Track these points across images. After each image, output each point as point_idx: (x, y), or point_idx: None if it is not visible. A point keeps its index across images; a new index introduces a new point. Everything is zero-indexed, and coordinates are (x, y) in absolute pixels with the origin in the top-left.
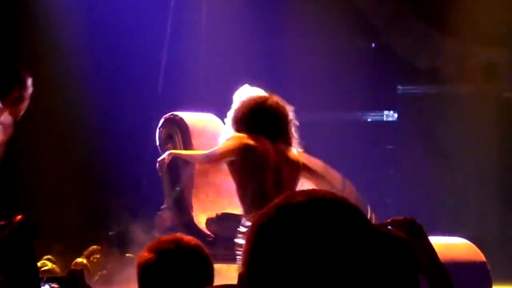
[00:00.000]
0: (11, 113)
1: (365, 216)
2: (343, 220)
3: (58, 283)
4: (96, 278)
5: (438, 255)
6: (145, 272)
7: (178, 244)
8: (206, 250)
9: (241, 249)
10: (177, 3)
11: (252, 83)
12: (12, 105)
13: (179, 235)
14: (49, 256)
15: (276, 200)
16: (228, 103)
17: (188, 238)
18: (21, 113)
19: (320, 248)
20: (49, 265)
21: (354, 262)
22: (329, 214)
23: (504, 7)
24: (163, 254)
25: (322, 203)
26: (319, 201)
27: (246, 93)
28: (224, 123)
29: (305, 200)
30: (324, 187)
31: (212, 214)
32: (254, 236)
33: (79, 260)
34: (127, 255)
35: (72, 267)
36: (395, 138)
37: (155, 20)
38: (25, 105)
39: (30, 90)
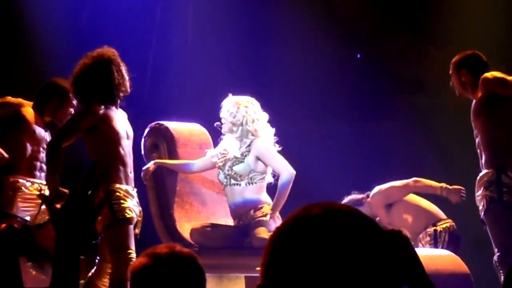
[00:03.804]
0: (52, 119)
1: (380, 227)
2: (360, 232)
3: None
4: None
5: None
6: (139, 277)
7: (173, 251)
8: (199, 259)
9: None
10: (163, 12)
11: (238, 92)
12: (52, 112)
13: (173, 244)
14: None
15: (293, 213)
16: (213, 112)
17: (181, 247)
18: (62, 121)
19: (338, 259)
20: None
21: (370, 273)
22: (345, 225)
23: (491, 20)
24: (158, 259)
25: (338, 215)
26: (336, 213)
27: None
28: (210, 133)
29: (321, 212)
30: None
31: (197, 224)
32: (271, 248)
33: None
34: None
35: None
36: (380, 149)
37: (141, 30)
38: (64, 113)
39: (71, 101)
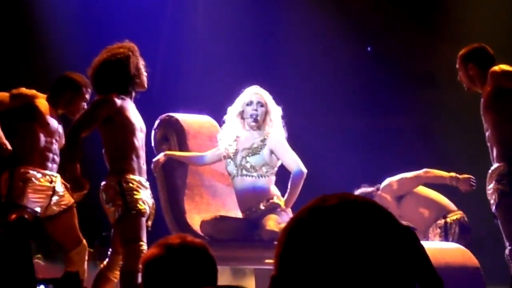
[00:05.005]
0: (65, 113)
1: (395, 218)
2: (376, 223)
3: (53, 285)
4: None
5: (432, 260)
6: (152, 267)
7: (185, 241)
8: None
9: None
10: (174, 5)
11: (247, 85)
12: (65, 106)
13: (184, 234)
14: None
15: (308, 204)
16: (223, 105)
17: (193, 238)
18: (75, 115)
19: (353, 250)
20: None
21: (385, 264)
22: (361, 216)
23: (499, 13)
24: (171, 249)
25: (354, 206)
26: (351, 204)
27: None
28: (220, 125)
29: (336, 203)
30: None
31: (207, 216)
32: (286, 239)
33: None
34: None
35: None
36: (390, 142)
37: (151, 22)
38: (77, 107)
39: (84, 95)
